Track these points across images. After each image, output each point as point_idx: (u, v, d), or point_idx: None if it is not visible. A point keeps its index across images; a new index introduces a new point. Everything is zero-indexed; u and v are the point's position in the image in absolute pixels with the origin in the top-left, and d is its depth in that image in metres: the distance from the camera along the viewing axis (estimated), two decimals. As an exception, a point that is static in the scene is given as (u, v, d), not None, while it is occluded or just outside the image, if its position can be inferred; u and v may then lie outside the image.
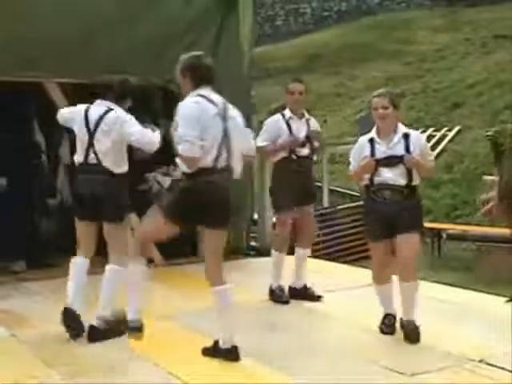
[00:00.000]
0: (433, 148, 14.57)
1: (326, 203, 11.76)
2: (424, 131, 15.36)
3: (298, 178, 5.82)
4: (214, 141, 4.28)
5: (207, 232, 4.45)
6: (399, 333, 4.89)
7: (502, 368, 4.07)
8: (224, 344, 4.41)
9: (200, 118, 4.23)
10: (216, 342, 4.46)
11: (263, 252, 7.99)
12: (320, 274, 6.77)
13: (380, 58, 20.25)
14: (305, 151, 5.88)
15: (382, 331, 4.95)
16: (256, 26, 8.24)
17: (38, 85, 6.70)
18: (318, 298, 5.92)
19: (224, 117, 4.35)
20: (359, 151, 4.95)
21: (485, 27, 19.97)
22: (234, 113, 4.47)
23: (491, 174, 9.17)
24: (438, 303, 5.74)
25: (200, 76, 4.37)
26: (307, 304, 5.82)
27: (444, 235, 11.01)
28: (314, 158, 6.12)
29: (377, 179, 4.82)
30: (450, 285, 6.66)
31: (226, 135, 4.33)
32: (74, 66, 6.56)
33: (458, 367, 4.23)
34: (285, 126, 5.86)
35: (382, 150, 4.81)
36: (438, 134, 15.00)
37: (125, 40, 6.81)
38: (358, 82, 18.85)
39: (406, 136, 4.81)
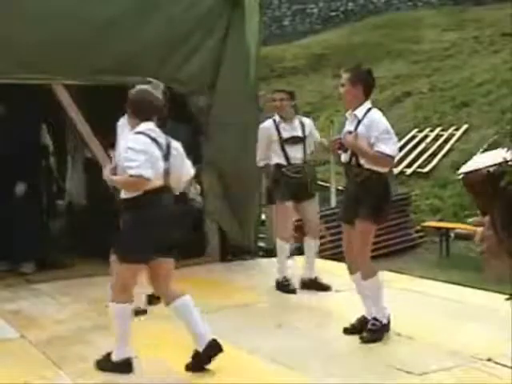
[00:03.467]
0: (440, 147, 14.54)
1: (333, 203, 11.72)
2: (432, 130, 15.33)
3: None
4: None
5: None
6: (407, 332, 4.89)
7: (511, 367, 4.07)
8: None
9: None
10: None
11: (271, 253, 8.00)
12: (328, 273, 6.76)
13: (387, 58, 20.18)
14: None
15: None
16: (262, 26, 8.22)
17: (44, 86, 6.73)
18: (327, 288, 6.18)
19: None
20: None
21: (492, 25, 19.88)
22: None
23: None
24: (446, 302, 5.74)
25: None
26: (316, 304, 5.82)
27: (452, 234, 10.98)
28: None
29: None
30: (459, 284, 6.64)
31: None
32: (80, 68, 6.59)
33: (467, 366, 4.22)
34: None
35: None
36: (446, 134, 14.95)
37: (130, 42, 6.82)
38: (365, 81, 18.78)
39: None
